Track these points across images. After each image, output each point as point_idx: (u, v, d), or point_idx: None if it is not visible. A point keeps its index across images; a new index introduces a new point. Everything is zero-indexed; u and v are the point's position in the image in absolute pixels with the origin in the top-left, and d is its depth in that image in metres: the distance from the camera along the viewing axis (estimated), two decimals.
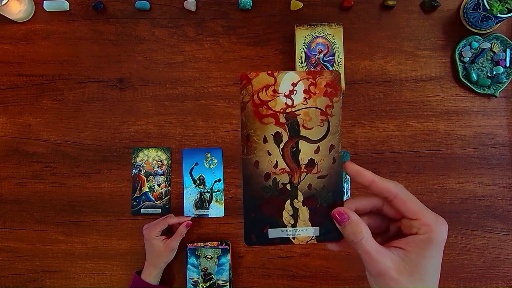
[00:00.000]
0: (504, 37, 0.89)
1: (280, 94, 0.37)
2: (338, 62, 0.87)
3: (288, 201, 0.38)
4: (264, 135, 0.38)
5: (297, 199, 0.38)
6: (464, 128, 0.90)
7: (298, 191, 0.38)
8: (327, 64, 0.87)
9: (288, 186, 0.38)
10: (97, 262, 0.91)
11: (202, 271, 0.86)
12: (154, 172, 0.92)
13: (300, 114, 0.38)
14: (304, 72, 0.37)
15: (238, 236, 0.90)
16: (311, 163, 0.38)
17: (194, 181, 0.91)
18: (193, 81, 0.93)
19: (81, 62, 0.94)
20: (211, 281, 0.86)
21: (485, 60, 0.90)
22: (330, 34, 0.87)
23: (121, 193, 0.92)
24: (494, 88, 0.90)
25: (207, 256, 0.86)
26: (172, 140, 0.92)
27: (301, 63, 0.87)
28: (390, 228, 0.40)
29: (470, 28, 0.90)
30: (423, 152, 0.90)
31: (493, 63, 0.90)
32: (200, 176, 0.91)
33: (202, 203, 0.91)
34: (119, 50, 0.93)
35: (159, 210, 0.91)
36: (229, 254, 0.86)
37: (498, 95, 0.90)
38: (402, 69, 0.91)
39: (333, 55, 0.87)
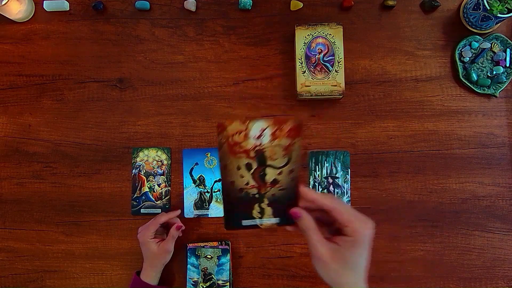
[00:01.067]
0: (504, 37, 0.89)
1: (250, 137, 0.47)
2: (338, 62, 0.87)
3: (257, 204, 0.51)
4: (238, 165, 0.49)
5: (263, 202, 0.51)
6: (464, 128, 0.90)
7: (265, 198, 0.51)
8: (327, 64, 0.87)
9: (256, 195, 0.51)
10: (97, 262, 0.91)
11: (202, 271, 0.86)
12: (154, 172, 0.92)
13: (266, 151, 0.48)
14: (271, 120, 0.47)
15: (238, 236, 0.90)
16: (274, 181, 0.50)
17: (194, 181, 0.91)
18: (193, 81, 0.93)
19: (81, 62, 0.94)
20: (211, 281, 0.86)
21: (485, 60, 0.90)
22: (330, 34, 0.87)
23: (121, 193, 0.92)
24: (494, 88, 0.90)
25: (207, 256, 0.87)
26: (172, 140, 0.92)
27: (301, 63, 0.87)
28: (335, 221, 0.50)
29: (470, 28, 0.90)
30: (423, 152, 0.90)
31: (493, 63, 0.90)
32: (200, 176, 0.91)
33: (202, 203, 0.91)
34: (119, 50, 0.93)
35: (159, 210, 0.91)
36: (229, 254, 0.86)
37: (498, 95, 0.90)
38: (402, 69, 0.91)
39: (333, 55, 0.87)
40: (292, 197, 0.50)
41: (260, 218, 0.51)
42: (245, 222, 0.51)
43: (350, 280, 0.49)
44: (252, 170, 0.50)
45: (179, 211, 0.86)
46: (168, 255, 0.84)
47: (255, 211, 0.51)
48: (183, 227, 0.86)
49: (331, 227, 0.51)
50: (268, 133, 0.47)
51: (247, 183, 0.50)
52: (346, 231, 0.48)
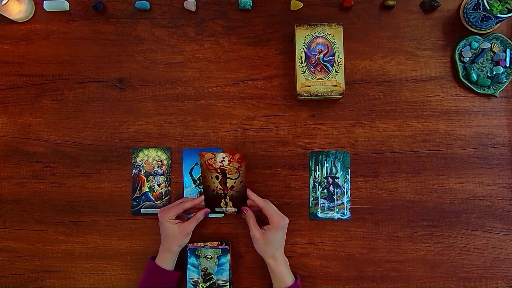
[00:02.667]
0: (504, 37, 0.89)
1: (217, 161, 0.83)
2: (338, 62, 0.87)
3: (223, 199, 0.85)
4: (211, 176, 0.84)
5: (226, 199, 0.85)
6: (464, 128, 0.90)
7: (227, 196, 0.85)
8: (327, 64, 0.87)
9: (222, 194, 0.85)
10: (97, 262, 0.91)
11: (202, 271, 0.86)
12: (154, 172, 0.92)
13: (226, 168, 0.83)
14: (228, 153, 0.82)
15: (238, 236, 0.90)
16: (232, 187, 0.84)
17: (194, 181, 0.91)
18: (193, 81, 0.93)
19: (81, 62, 0.94)
20: (211, 281, 0.86)
21: (485, 60, 0.90)
22: (330, 34, 0.87)
23: (121, 193, 0.92)
24: (494, 88, 0.90)
25: (207, 256, 0.87)
26: (172, 140, 0.92)
27: (301, 63, 0.87)
28: None
29: (470, 28, 0.90)
30: (423, 152, 0.90)
31: (493, 63, 0.90)
32: (200, 176, 0.91)
33: None
34: (119, 50, 0.93)
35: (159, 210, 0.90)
36: (229, 254, 0.86)
37: (498, 95, 0.90)
38: (402, 69, 0.91)
39: (333, 55, 0.87)
40: (243, 196, 0.85)
41: (225, 207, 0.86)
42: (217, 209, 0.86)
43: (268, 250, 0.82)
44: (219, 179, 0.84)
45: (203, 197, 0.85)
46: (187, 238, 0.83)
47: (222, 203, 0.86)
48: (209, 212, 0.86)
49: (266, 220, 0.84)
50: (226, 159, 0.82)
51: (217, 187, 0.84)
52: (270, 222, 0.81)
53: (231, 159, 0.82)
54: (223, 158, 0.82)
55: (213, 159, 0.82)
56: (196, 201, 0.85)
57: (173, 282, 0.84)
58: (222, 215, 0.90)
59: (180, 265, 0.87)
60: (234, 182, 0.84)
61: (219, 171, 0.83)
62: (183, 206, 0.83)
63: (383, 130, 0.91)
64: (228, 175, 0.83)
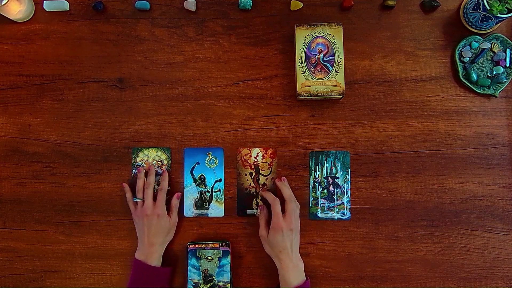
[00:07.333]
0: (504, 37, 0.89)
1: (252, 157, 0.88)
2: (338, 62, 0.87)
3: (254, 199, 0.89)
4: (246, 173, 0.88)
5: (258, 198, 0.89)
6: (464, 128, 0.90)
7: (259, 195, 0.89)
8: (327, 64, 0.87)
9: (254, 193, 0.89)
10: (97, 262, 0.91)
11: (203, 272, 0.86)
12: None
13: (259, 164, 0.88)
14: (261, 148, 0.88)
15: (238, 236, 0.90)
16: (263, 184, 0.88)
17: (195, 180, 0.91)
18: (193, 81, 0.93)
19: (81, 62, 0.94)
20: (212, 283, 0.86)
21: (485, 60, 0.90)
22: (330, 34, 0.87)
23: (121, 193, 0.92)
24: (494, 88, 0.90)
25: (208, 257, 0.86)
26: (172, 140, 0.92)
27: (301, 63, 0.87)
28: None
29: (470, 28, 0.90)
30: (423, 152, 0.90)
31: (493, 63, 0.90)
32: (201, 175, 0.91)
33: (202, 202, 0.90)
34: (119, 50, 0.93)
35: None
36: (229, 256, 0.86)
37: (498, 95, 0.90)
38: (402, 69, 0.91)
39: (333, 55, 0.87)
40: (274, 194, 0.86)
41: (256, 208, 0.89)
42: (248, 211, 0.89)
43: (271, 252, 0.82)
44: (252, 176, 0.88)
45: (153, 169, 0.90)
46: (174, 228, 0.88)
47: (253, 204, 0.89)
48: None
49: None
50: (260, 154, 0.87)
51: (250, 184, 0.88)
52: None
53: (265, 154, 0.87)
54: (258, 153, 0.88)
55: (249, 154, 0.88)
56: (152, 170, 0.89)
57: (165, 278, 0.84)
58: (222, 214, 0.90)
59: (167, 261, 0.87)
60: (266, 179, 0.88)
61: (253, 167, 0.88)
62: (163, 189, 0.87)
63: (383, 130, 0.91)
64: (260, 171, 0.88)
